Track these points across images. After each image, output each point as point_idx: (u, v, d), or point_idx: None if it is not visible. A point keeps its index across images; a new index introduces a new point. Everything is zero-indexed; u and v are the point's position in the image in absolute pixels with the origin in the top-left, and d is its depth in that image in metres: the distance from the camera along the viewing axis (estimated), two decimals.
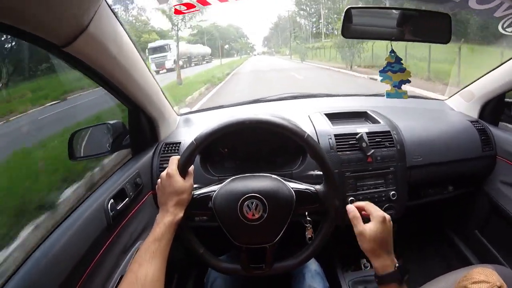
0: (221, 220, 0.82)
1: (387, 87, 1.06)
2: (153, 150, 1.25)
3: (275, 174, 0.89)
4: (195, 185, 0.88)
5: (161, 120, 1.29)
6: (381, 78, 1.05)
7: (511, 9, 1.24)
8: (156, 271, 0.69)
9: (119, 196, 1.00)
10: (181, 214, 0.80)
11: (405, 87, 1.05)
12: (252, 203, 0.80)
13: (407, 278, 0.73)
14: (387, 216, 0.78)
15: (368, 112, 1.44)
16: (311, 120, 1.33)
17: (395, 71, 1.03)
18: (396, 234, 1.40)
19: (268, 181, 0.86)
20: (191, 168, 0.86)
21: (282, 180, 0.87)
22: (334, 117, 1.39)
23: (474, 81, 1.60)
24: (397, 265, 0.73)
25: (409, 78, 1.04)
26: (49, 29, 0.66)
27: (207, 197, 0.85)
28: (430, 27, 0.99)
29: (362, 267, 1.39)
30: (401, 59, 1.01)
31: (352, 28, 0.94)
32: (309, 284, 1.06)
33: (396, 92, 1.06)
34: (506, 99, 1.57)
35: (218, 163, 1.25)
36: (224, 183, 0.87)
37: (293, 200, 0.83)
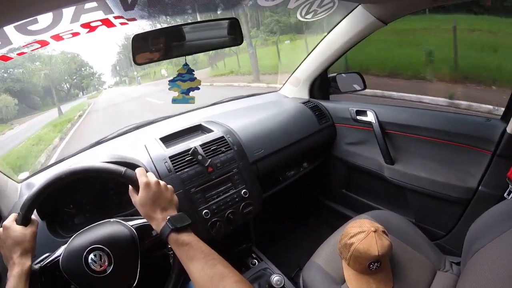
0: (76, 282, 0.76)
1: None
2: None
3: (123, 215, 0.87)
4: (46, 254, 0.81)
5: None
6: (169, 86, 1.10)
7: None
8: None
9: None
10: (28, 263, 0.75)
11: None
12: (95, 255, 0.77)
13: (190, 224, 0.77)
14: (152, 180, 0.80)
15: (202, 124, 1.48)
16: (147, 148, 1.31)
17: (185, 80, 1.09)
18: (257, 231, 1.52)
19: (106, 227, 0.83)
20: (34, 216, 0.81)
21: (121, 221, 0.84)
22: (169, 139, 1.40)
23: (297, 67, 1.82)
24: (168, 217, 0.76)
25: (199, 86, 1.11)
26: None
27: (55, 264, 0.78)
28: (223, 33, 1.07)
29: (250, 265, 1.43)
30: (193, 71, 1.08)
31: (143, 55, 0.95)
32: None
33: (184, 98, 1.12)
34: (330, 75, 1.83)
35: (69, 222, 1.15)
36: (67, 243, 0.81)
37: (135, 238, 0.81)
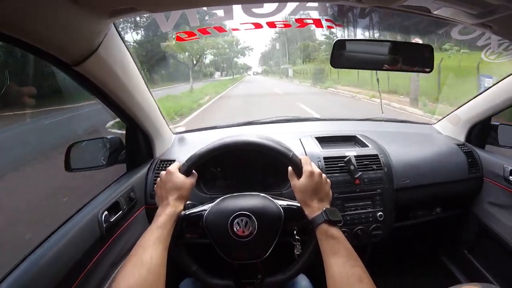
0: (213, 238, 0.85)
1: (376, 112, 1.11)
2: (148, 166, 1.28)
3: (269, 194, 0.92)
4: (188, 202, 0.91)
5: (157, 138, 1.32)
6: None
7: (491, 40, 1.34)
8: (160, 256, 0.70)
9: (113, 208, 1.02)
10: (181, 207, 0.83)
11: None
12: (242, 220, 0.83)
13: (341, 221, 0.78)
14: (316, 171, 0.83)
15: (357, 136, 1.49)
16: (302, 143, 1.37)
17: None
18: (369, 257, 1.45)
19: (257, 199, 0.89)
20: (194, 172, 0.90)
21: (270, 198, 0.90)
22: (324, 140, 1.43)
23: (461, 105, 1.66)
24: (324, 209, 0.78)
25: None
26: (63, 49, 0.72)
27: (198, 216, 0.87)
28: (416, 58, 1.05)
29: None
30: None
31: (340, 59, 0.99)
32: None
33: None
34: (492, 122, 1.63)
35: (211, 182, 1.28)
36: (215, 202, 0.89)
37: (281, 216, 0.86)
